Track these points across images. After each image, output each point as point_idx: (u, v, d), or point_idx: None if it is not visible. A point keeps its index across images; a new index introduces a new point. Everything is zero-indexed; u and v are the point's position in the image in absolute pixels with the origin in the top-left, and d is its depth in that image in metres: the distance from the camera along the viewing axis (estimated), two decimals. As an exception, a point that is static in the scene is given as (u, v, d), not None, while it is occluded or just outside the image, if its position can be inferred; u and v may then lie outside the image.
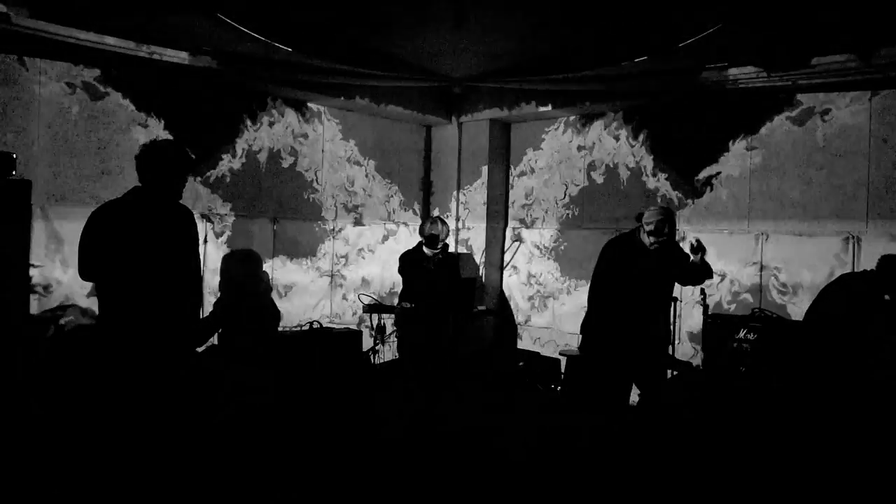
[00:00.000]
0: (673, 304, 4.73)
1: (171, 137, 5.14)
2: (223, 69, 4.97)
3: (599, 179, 6.36)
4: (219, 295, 5.55)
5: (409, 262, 5.85)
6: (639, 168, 6.10)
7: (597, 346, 4.50)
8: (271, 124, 5.98)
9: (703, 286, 5.43)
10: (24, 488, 3.43)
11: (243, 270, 5.77)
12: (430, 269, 5.75)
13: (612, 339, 4.36)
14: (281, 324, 6.02)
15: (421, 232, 5.89)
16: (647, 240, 4.25)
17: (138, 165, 3.38)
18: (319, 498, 3.65)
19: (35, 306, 4.66)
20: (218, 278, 5.58)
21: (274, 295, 6.01)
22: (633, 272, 4.28)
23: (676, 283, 4.54)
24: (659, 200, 5.82)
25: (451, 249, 6.81)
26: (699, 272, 4.39)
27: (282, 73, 5.25)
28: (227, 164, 5.71)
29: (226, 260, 5.64)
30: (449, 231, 5.98)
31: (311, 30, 4.53)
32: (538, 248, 6.83)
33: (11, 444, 3.67)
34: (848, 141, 5.02)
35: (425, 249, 5.79)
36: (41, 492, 3.42)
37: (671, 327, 4.74)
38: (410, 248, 6.01)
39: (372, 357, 5.68)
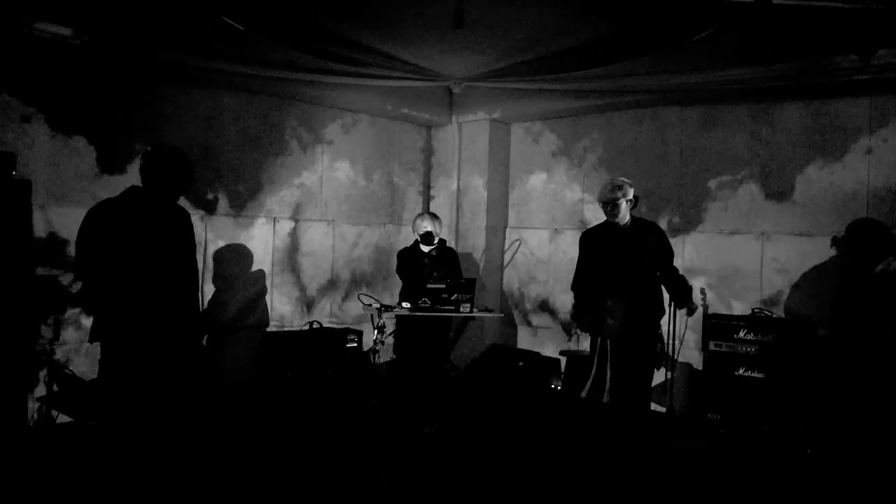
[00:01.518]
0: (670, 305, 4.73)
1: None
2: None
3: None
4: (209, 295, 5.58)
5: (407, 260, 5.85)
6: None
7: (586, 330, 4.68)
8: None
9: (703, 286, 5.45)
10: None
11: (237, 270, 5.78)
12: (427, 265, 5.75)
13: (592, 323, 4.52)
14: (281, 324, 6.04)
15: (415, 229, 5.89)
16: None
17: (143, 167, 3.45)
18: (318, 497, 3.65)
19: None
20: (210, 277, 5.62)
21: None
22: (606, 255, 4.48)
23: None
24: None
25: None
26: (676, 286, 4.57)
27: (285, 73, 5.25)
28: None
29: (218, 259, 5.67)
30: (442, 225, 5.97)
31: (311, 29, 4.54)
32: (538, 248, 6.83)
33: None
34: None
35: (422, 247, 5.81)
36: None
37: (660, 320, 4.68)
38: (407, 246, 6.04)
39: (372, 357, 5.68)
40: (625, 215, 4.46)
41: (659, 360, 4.79)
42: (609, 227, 4.53)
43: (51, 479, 3.61)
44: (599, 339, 4.48)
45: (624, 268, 4.43)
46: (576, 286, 4.70)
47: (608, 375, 4.36)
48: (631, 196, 4.45)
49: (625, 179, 4.54)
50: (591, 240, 4.64)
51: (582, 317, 4.65)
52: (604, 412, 4.52)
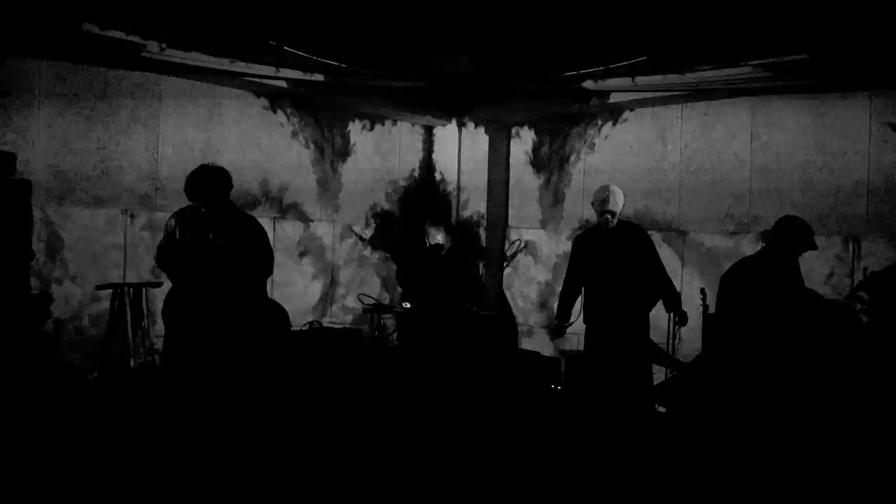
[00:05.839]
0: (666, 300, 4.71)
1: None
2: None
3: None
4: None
5: (413, 263, 5.78)
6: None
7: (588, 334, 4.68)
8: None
9: (702, 286, 5.44)
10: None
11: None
12: (429, 269, 5.69)
13: (591, 323, 4.59)
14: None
15: (426, 237, 5.83)
16: (599, 218, 4.51)
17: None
18: (319, 497, 3.66)
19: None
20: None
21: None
22: (593, 256, 4.57)
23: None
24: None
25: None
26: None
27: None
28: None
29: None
30: (447, 237, 5.96)
31: (313, 32, 4.55)
32: (538, 248, 6.82)
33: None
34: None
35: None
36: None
37: (646, 311, 4.66)
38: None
39: (372, 357, 5.69)
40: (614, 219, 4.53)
41: (658, 357, 4.78)
42: (596, 230, 4.63)
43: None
44: (589, 331, 4.58)
45: (607, 268, 4.51)
46: (563, 285, 4.84)
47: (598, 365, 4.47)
48: (622, 203, 4.52)
49: (616, 188, 4.58)
50: (579, 243, 4.79)
51: (558, 310, 4.73)
52: (602, 410, 4.52)
